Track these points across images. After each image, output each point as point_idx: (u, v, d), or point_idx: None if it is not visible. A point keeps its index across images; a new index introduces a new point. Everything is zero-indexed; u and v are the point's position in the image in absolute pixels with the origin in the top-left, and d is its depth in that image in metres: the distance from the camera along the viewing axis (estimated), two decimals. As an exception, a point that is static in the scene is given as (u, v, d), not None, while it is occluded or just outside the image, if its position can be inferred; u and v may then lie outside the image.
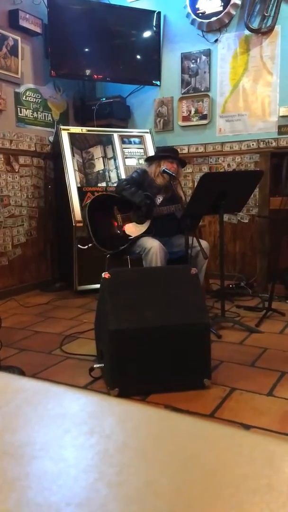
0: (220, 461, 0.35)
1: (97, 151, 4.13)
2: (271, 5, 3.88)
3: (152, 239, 3.12)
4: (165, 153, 3.39)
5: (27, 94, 4.06)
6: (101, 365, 2.11)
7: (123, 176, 3.99)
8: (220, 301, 2.97)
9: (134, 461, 0.35)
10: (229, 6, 4.00)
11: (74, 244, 3.78)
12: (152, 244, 3.03)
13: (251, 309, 3.30)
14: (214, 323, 2.82)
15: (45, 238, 4.27)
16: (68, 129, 4.09)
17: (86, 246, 3.43)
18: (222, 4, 4.04)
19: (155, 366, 1.97)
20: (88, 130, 4.18)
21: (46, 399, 0.44)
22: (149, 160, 3.45)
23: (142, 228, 3.22)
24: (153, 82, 4.49)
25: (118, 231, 3.24)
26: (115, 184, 3.69)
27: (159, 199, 3.30)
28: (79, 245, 3.70)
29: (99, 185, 4.04)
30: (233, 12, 4.04)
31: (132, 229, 3.24)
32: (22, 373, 2.20)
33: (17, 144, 3.96)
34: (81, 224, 3.72)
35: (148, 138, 4.34)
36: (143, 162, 3.90)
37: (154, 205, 3.25)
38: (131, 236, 3.21)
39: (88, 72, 4.35)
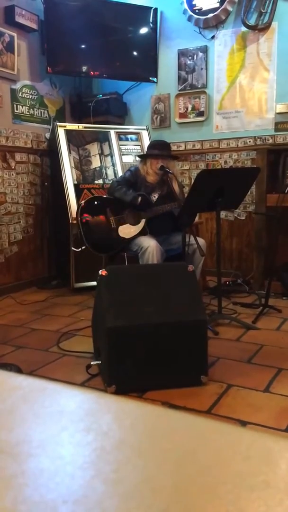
0: (217, 458, 0.35)
1: (93, 148, 4.12)
2: (267, 2, 3.87)
3: (149, 238, 3.12)
4: (155, 149, 3.30)
5: (23, 91, 4.04)
6: (98, 362, 2.11)
7: (120, 173, 3.97)
8: (217, 298, 2.97)
9: (131, 458, 0.35)
10: (225, 2, 4.00)
11: (71, 241, 3.77)
12: (149, 243, 3.03)
13: (248, 306, 3.30)
14: (211, 320, 2.83)
15: (41, 235, 4.26)
16: (64, 126, 4.08)
17: (80, 249, 3.41)
18: (219, 0, 4.03)
19: (152, 363, 1.97)
20: (85, 127, 4.17)
21: (43, 396, 0.44)
22: (140, 157, 3.42)
23: (137, 229, 3.21)
24: (150, 78, 4.48)
25: (113, 234, 3.22)
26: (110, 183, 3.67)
27: (155, 197, 3.27)
28: (72, 248, 3.68)
29: (96, 182, 4.03)
30: (230, 8, 4.03)
31: (126, 230, 3.22)
32: (19, 370, 2.20)
33: (13, 141, 3.95)
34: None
35: (145, 135, 4.33)
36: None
37: (150, 203, 3.22)
38: (125, 238, 3.20)
39: (84, 68, 4.33)
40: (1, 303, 3.59)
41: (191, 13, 4.17)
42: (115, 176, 3.96)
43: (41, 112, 4.24)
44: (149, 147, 3.42)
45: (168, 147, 3.38)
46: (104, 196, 3.53)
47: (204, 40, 4.22)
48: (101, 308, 2.05)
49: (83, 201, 3.42)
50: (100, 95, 4.48)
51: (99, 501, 0.30)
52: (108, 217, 3.26)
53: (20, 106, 4.02)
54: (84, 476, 0.32)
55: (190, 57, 4.31)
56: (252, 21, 3.94)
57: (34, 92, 4.15)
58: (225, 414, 1.78)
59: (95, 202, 3.39)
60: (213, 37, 4.18)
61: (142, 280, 2.12)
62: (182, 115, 4.42)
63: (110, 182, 3.73)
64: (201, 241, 3.01)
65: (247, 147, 4.13)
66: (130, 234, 3.19)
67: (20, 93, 4.01)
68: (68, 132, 4.04)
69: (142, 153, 3.53)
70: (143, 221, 3.21)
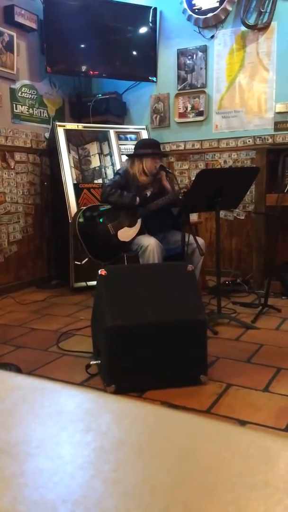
0: (217, 457, 0.35)
1: (93, 148, 4.12)
2: (267, 1, 3.87)
3: (148, 236, 3.12)
4: (145, 148, 3.23)
5: (22, 90, 4.04)
6: (97, 361, 2.11)
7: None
8: (216, 297, 2.97)
9: (131, 458, 0.35)
10: (225, 2, 4.00)
11: (70, 241, 3.77)
12: (149, 242, 3.03)
13: (247, 305, 3.30)
14: (210, 319, 2.83)
15: (41, 235, 4.26)
16: (64, 126, 4.08)
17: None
18: (218, 0, 4.03)
19: (151, 363, 1.97)
20: (84, 127, 4.17)
21: (42, 396, 0.44)
22: (129, 157, 3.34)
23: (135, 230, 3.20)
24: (149, 78, 4.48)
25: (113, 240, 3.21)
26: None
27: (147, 195, 3.27)
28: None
29: (95, 181, 4.03)
30: (229, 8, 4.03)
31: (125, 234, 3.21)
32: (18, 370, 2.19)
33: (12, 140, 3.95)
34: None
35: (144, 134, 4.33)
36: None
37: (147, 201, 3.21)
38: (125, 241, 3.20)
39: (84, 68, 4.33)
40: (1, 303, 3.59)
41: (190, 13, 4.17)
42: (102, 186, 3.92)
43: (40, 111, 4.24)
44: (141, 146, 3.31)
45: (159, 146, 3.39)
46: (97, 204, 3.49)
47: (203, 40, 4.22)
48: (100, 308, 2.04)
49: (79, 213, 3.36)
50: (100, 95, 4.48)
51: (99, 501, 0.30)
52: (106, 224, 3.24)
53: (20, 106, 4.02)
54: (84, 476, 0.32)
55: (189, 57, 4.31)
56: (251, 21, 3.94)
57: (34, 92, 4.15)
58: (225, 413, 1.79)
59: (90, 212, 3.35)
60: (212, 36, 4.18)
61: (142, 279, 2.12)
62: (182, 115, 4.42)
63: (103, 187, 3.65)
64: (200, 240, 3.01)
65: (247, 147, 4.13)
66: (130, 237, 3.19)
67: (20, 92, 4.01)
68: (68, 132, 4.04)
69: (139, 153, 3.45)
70: (139, 221, 3.21)
